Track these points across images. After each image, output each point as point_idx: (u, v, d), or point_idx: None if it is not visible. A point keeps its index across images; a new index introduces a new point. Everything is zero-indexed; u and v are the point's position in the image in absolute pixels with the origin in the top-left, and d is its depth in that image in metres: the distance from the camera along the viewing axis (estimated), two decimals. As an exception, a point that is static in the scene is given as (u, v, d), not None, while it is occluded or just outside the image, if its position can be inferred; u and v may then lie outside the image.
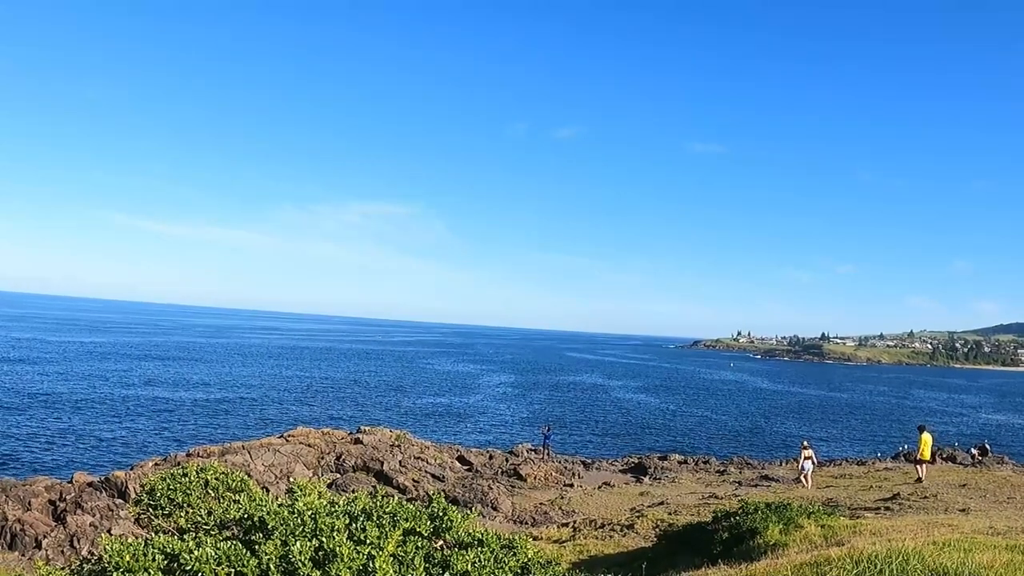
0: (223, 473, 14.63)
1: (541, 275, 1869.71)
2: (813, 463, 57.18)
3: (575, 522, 43.46)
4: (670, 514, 40.78)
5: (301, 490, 11.92)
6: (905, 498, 37.12)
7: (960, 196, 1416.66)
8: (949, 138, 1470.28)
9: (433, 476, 61.12)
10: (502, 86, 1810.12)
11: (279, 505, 11.16)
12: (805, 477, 55.10)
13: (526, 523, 48.88)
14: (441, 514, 11.24)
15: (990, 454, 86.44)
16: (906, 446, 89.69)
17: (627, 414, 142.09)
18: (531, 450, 77.00)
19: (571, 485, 62.02)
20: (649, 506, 47.92)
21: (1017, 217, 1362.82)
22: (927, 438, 50.38)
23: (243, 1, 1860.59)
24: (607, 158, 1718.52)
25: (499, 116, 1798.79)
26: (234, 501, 13.10)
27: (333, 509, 11.00)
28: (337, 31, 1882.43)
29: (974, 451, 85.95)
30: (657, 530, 34.78)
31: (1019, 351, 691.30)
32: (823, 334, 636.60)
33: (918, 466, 50.93)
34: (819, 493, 46.20)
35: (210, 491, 14.08)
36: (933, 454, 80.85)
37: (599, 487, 60.77)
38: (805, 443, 58.19)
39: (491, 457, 72.31)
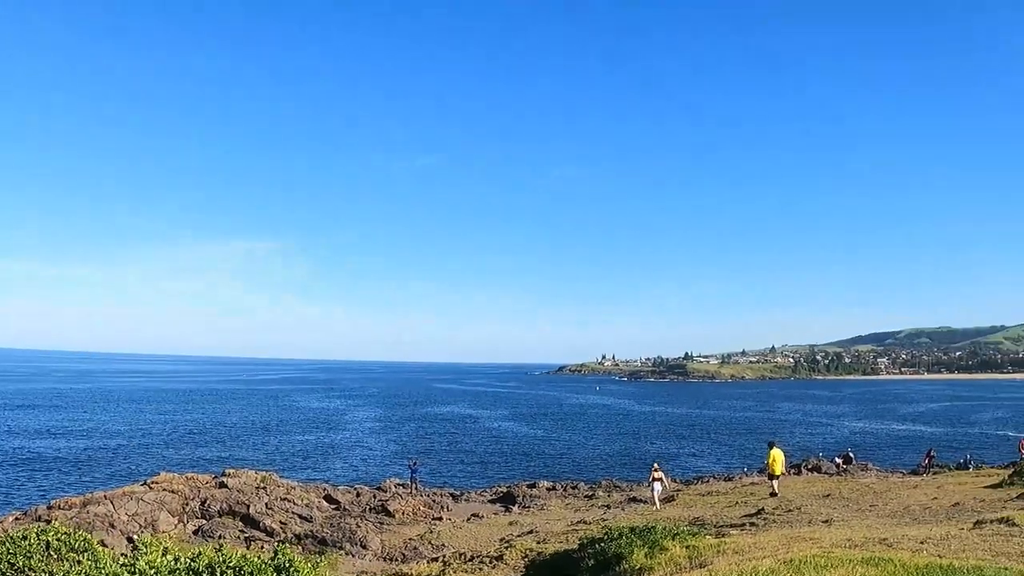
0: (65, 534, 14.13)
1: (406, 307, 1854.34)
2: (663, 484, 58.58)
3: (444, 556, 43.15)
4: (539, 543, 40.73)
5: (145, 547, 11.54)
6: (770, 513, 37.72)
7: (816, 208, 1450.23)
8: (806, 147, 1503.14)
9: (300, 517, 60.28)
10: (359, 115, 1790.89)
11: (120, 565, 10.79)
12: (656, 498, 56.50)
13: (396, 560, 48.45)
14: (287, 565, 10.97)
15: (854, 462, 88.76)
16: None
17: (496, 443, 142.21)
18: (399, 485, 76.29)
19: (440, 518, 61.65)
20: (518, 536, 47.82)
21: (871, 228, 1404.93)
22: (777, 453, 51.86)
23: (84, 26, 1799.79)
24: (467, 184, 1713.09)
25: (359, 147, 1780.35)
26: (76, 562, 12.65)
27: (176, 566, 10.67)
28: (203, 59, 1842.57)
29: (838, 460, 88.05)
30: (526, 560, 34.68)
31: (879, 360, 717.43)
32: (687, 353, 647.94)
33: (771, 481, 52.26)
34: (687, 512, 46.69)
35: (52, 553, 13.57)
36: (799, 466, 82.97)
37: (468, 519, 60.55)
38: (655, 465, 59.85)
39: (358, 494, 71.50)
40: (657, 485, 57.39)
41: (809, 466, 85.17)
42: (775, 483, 51.65)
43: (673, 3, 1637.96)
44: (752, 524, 34.13)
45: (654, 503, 56.26)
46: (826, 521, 32.81)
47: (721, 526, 35.12)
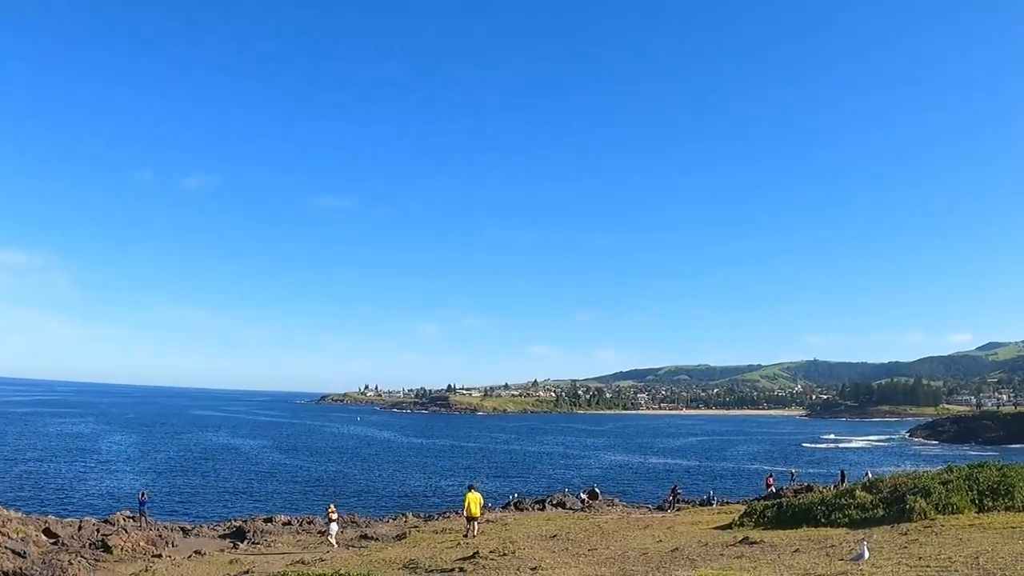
0: None
1: (167, 330, 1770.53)
2: (338, 526, 60.71)
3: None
4: (244, 585, 39.22)
5: None
6: (484, 556, 36.74)
7: (577, 249, 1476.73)
8: (571, 195, 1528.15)
9: (14, 552, 56.61)
10: (124, 131, 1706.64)
11: None
12: (334, 539, 58.23)
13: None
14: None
15: (600, 497, 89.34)
16: (516, 495, 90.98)
17: (247, 473, 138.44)
18: (129, 518, 72.97)
19: (160, 555, 58.75)
20: (234, 576, 45.78)
21: (631, 270, 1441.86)
22: (473, 497, 52.30)
23: None
24: (238, 208, 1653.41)
25: (123, 163, 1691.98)
26: None
27: None
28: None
29: (584, 495, 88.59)
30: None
31: (638, 395, 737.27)
32: (449, 385, 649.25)
33: (469, 524, 52.72)
34: (408, 552, 45.42)
35: None
36: (544, 501, 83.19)
37: (189, 556, 57.63)
38: (332, 507, 61.61)
39: (81, 527, 67.66)
40: (333, 526, 59.17)
41: (554, 501, 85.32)
42: (472, 525, 52.53)
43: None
44: (461, 569, 33.13)
45: (331, 544, 57.33)
46: (534, 568, 32.09)
47: (431, 570, 34.12)
